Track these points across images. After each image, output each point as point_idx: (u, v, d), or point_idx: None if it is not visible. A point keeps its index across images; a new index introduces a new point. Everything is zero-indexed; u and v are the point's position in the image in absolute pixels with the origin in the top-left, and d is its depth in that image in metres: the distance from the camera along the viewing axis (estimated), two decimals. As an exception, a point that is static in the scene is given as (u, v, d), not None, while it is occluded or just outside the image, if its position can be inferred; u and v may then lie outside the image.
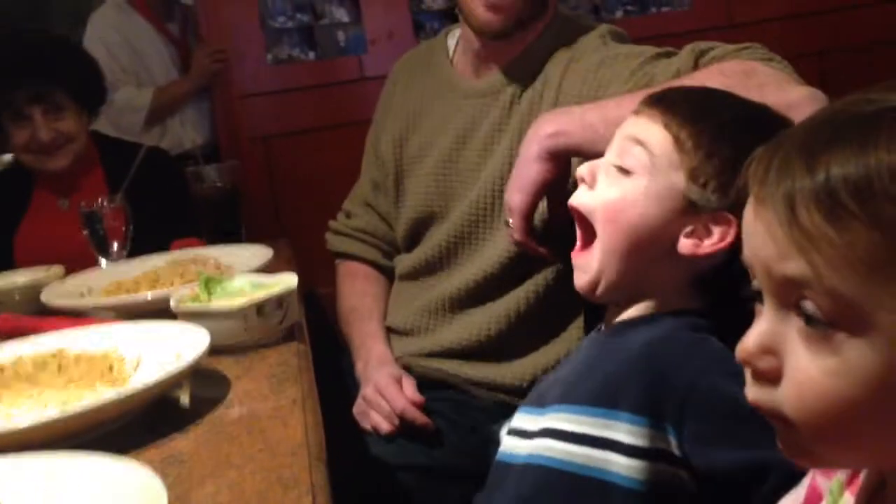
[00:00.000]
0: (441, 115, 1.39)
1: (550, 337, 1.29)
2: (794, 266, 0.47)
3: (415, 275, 1.41)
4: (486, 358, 1.32)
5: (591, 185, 0.93)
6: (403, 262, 1.45)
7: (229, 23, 2.79)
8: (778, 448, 0.58)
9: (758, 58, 1.09)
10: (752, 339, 0.50)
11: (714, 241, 0.88)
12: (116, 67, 2.68)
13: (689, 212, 0.88)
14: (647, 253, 0.90)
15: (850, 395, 0.46)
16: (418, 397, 1.25)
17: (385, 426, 1.24)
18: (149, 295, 1.20)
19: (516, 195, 1.12)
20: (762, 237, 0.49)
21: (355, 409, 1.30)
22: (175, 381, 0.87)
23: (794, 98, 0.99)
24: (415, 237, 1.42)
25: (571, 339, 1.28)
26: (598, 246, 0.92)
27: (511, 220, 1.15)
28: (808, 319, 0.47)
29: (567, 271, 1.04)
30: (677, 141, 0.89)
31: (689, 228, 0.88)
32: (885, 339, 0.45)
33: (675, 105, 0.92)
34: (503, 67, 1.32)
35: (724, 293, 0.88)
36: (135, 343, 0.99)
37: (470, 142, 1.34)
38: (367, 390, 1.28)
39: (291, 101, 2.84)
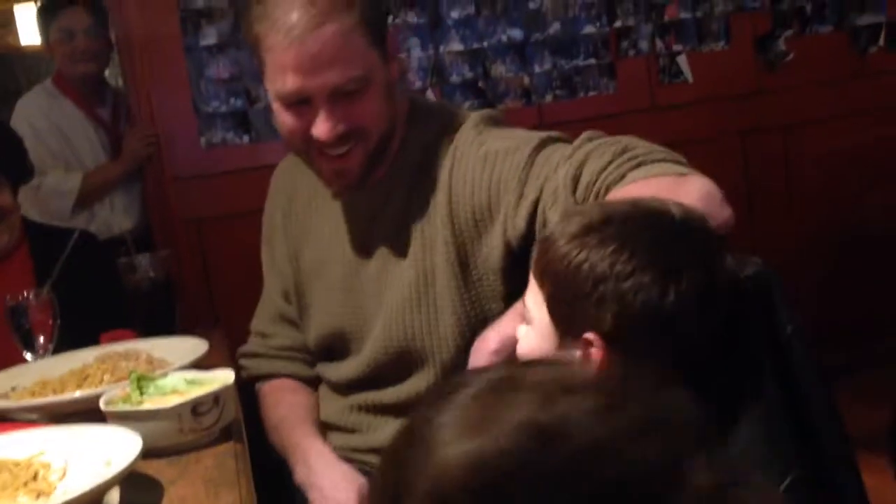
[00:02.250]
0: (332, 224, 1.34)
1: None
2: None
3: (345, 387, 1.36)
4: None
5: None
6: (327, 371, 1.39)
7: (161, 107, 2.78)
8: None
9: (629, 168, 1.07)
10: None
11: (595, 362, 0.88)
12: (44, 152, 2.64)
13: (564, 340, 0.90)
14: None
15: None
16: None
17: None
18: (77, 394, 1.15)
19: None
20: None
21: None
22: (104, 491, 0.83)
23: (690, 203, 0.96)
24: (330, 351, 1.38)
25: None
26: None
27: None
28: None
29: None
30: (539, 280, 0.93)
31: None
32: None
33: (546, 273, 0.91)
34: (381, 178, 1.27)
35: None
36: (62, 448, 0.95)
37: (369, 255, 1.30)
38: (340, 495, 1.22)
39: (225, 185, 2.83)
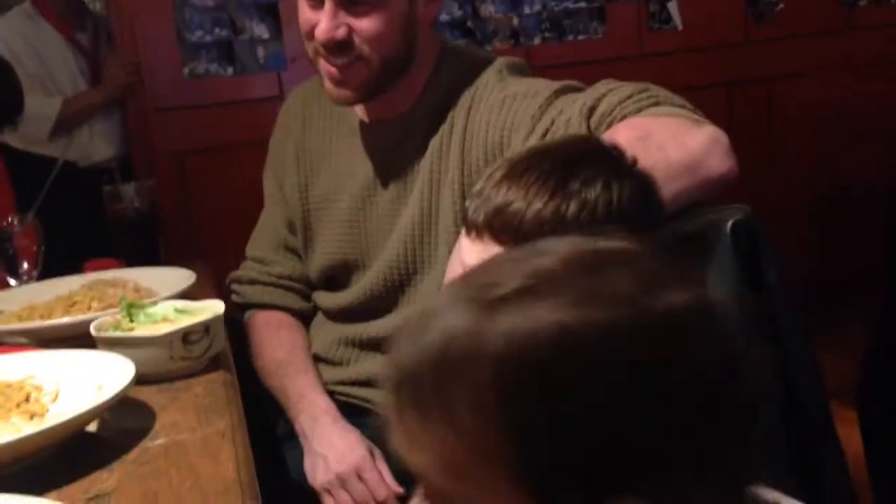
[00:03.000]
0: (345, 157, 1.35)
1: None
2: (411, 461, 0.49)
3: (338, 315, 1.38)
4: None
5: None
6: (324, 300, 1.41)
7: (144, 35, 2.73)
8: None
9: (647, 104, 1.07)
10: None
11: None
12: (22, 74, 2.57)
13: None
14: None
15: None
16: (398, 487, 1.21)
17: None
18: (66, 319, 1.16)
19: None
20: (405, 442, 0.49)
21: (318, 482, 1.24)
22: (98, 414, 0.84)
23: (696, 150, 0.99)
24: (331, 281, 1.39)
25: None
26: None
27: None
28: None
29: None
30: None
31: None
32: None
33: (497, 217, 0.83)
34: (401, 114, 1.28)
35: None
36: (53, 372, 0.96)
37: (380, 189, 1.31)
38: (343, 470, 1.22)
39: (208, 117, 2.79)
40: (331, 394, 1.33)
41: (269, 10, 2.81)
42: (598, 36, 3.12)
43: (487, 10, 3.02)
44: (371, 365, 1.33)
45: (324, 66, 1.22)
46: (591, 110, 1.10)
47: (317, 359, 1.38)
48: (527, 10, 3.05)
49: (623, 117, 1.06)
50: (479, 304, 0.47)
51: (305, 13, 1.21)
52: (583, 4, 3.09)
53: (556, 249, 0.50)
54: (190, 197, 2.76)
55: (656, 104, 1.07)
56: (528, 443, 0.44)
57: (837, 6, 3.28)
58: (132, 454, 0.83)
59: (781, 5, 3.24)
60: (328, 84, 1.24)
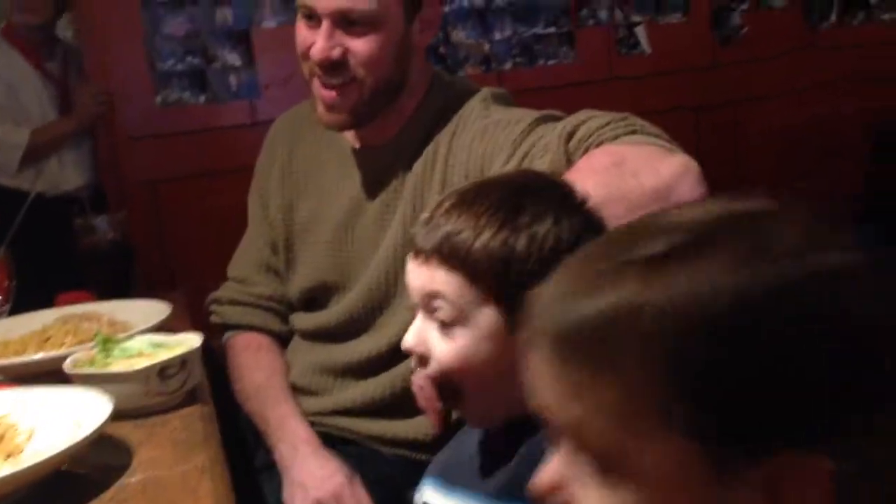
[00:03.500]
0: (331, 181, 1.37)
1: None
2: (565, 414, 0.49)
3: (316, 337, 1.39)
4: (391, 415, 1.31)
5: (426, 360, 0.89)
6: (302, 321, 1.41)
7: (116, 64, 2.73)
8: None
9: (623, 132, 1.08)
10: (544, 478, 0.52)
11: None
12: (-10, 105, 2.57)
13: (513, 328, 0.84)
14: (508, 376, 0.83)
15: None
16: None
17: None
18: (40, 356, 1.15)
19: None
20: (537, 383, 0.50)
21: None
22: (76, 452, 0.84)
23: (669, 177, 1.00)
24: (310, 302, 1.39)
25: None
26: (469, 398, 0.89)
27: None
28: (590, 461, 0.49)
29: None
30: (467, 274, 0.84)
31: None
32: (647, 484, 0.47)
33: (447, 233, 0.85)
34: (390, 138, 1.31)
35: None
36: (28, 410, 0.95)
37: (364, 211, 1.33)
38: (319, 494, 1.21)
39: (180, 145, 2.79)
40: (310, 424, 1.32)
41: (242, 39, 2.82)
42: (568, 60, 3.17)
43: (458, 35, 3.05)
44: (347, 393, 1.34)
45: (318, 89, 1.24)
46: (570, 136, 1.12)
47: (294, 388, 1.38)
48: (497, 36, 3.09)
49: (600, 143, 1.08)
50: (641, 265, 0.47)
51: (302, 32, 1.23)
52: (552, 30, 3.14)
53: (706, 209, 0.51)
54: (163, 225, 2.75)
55: (633, 132, 1.10)
56: (697, 399, 0.45)
57: (802, 27, 3.35)
58: (109, 492, 0.82)
59: (746, 28, 3.30)
60: (321, 109, 1.26)
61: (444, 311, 0.85)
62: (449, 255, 0.83)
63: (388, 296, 1.30)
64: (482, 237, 0.82)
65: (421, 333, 0.89)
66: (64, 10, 2.79)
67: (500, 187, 0.89)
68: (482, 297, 0.84)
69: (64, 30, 3.02)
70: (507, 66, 3.11)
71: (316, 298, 1.39)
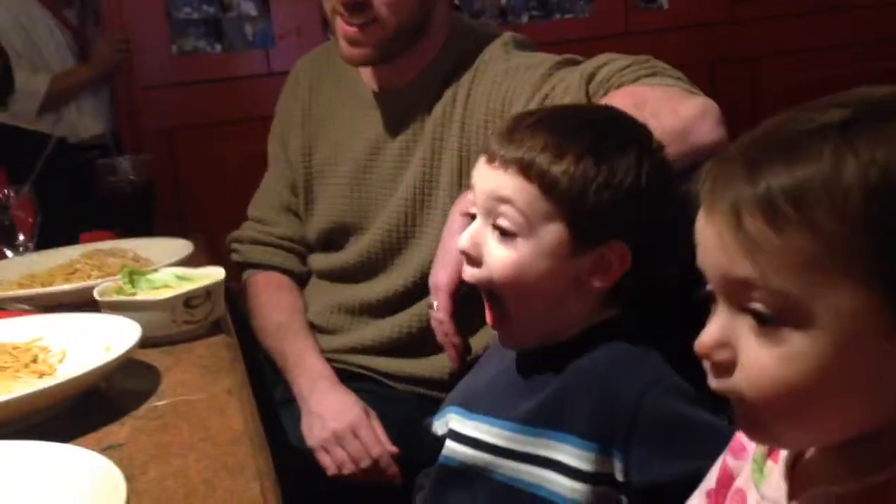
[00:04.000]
0: (349, 123, 1.38)
1: (469, 332, 1.32)
2: (742, 269, 0.52)
3: (333, 277, 1.42)
4: (407, 353, 1.34)
5: (479, 262, 0.90)
6: (319, 261, 1.44)
7: (132, 12, 2.73)
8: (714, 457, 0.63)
9: (644, 74, 1.11)
10: (709, 335, 0.55)
11: (615, 269, 0.89)
12: (9, 50, 2.57)
13: (582, 250, 0.88)
14: (558, 299, 0.90)
15: (796, 380, 0.51)
16: (392, 447, 1.24)
17: (350, 467, 1.22)
18: (68, 286, 1.18)
19: (441, 272, 1.08)
20: (713, 244, 0.54)
21: (314, 440, 1.26)
22: (107, 372, 0.87)
23: (688, 118, 1.03)
24: (328, 243, 1.42)
25: (490, 334, 1.31)
26: (510, 311, 0.90)
27: (435, 300, 1.09)
28: (758, 316, 0.53)
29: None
30: (544, 188, 0.85)
31: (589, 266, 0.88)
32: (823, 331, 0.51)
33: (530, 145, 0.86)
34: (410, 80, 1.32)
35: (636, 302, 0.92)
36: (60, 334, 0.98)
37: (382, 153, 1.34)
38: (339, 426, 1.24)
39: (196, 94, 2.80)
40: (327, 361, 1.35)
41: (257, -14, 2.82)
42: (585, 15, 3.15)
43: (474, -12, 3.03)
44: (365, 332, 1.37)
45: (340, 25, 1.25)
46: (591, 77, 1.14)
47: (312, 326, 1.41)
48: (514, -11, 3.07)
49: (620, 85, 1.10)
50: (836, 129, 0.51)
51: None
52: (570, -18, 3.11)
53: (860, 91, 0.55)
54: (179, 172, 2.77)
55: (653, 74, 1.12)
56: (886, 254, 0.49)
57: (823, -13, 3.30)
58: (141, 410, 0.85)
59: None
60: (343, 44, 1.27)
61: (510, 219, 0.87)
62: (529, 167, 0.86)
63: (405, 236, 1.32)
64: (566, 158, 0.85)
65: (477, 237, 0.90)
66: (81, -46, 2.79)
67: (585, 117, 0.93)
68: (553, 212, 0.86)
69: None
70: (524, 19, 3.09)
71: (334, 239, 1.41)
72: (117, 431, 0.80)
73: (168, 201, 2.69)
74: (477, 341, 1.27)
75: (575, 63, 1.22)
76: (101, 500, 0.58)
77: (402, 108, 1.33)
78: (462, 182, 1.26)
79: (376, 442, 1.24)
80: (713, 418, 0.83)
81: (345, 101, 1.40)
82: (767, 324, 0.52)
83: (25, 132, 2.01)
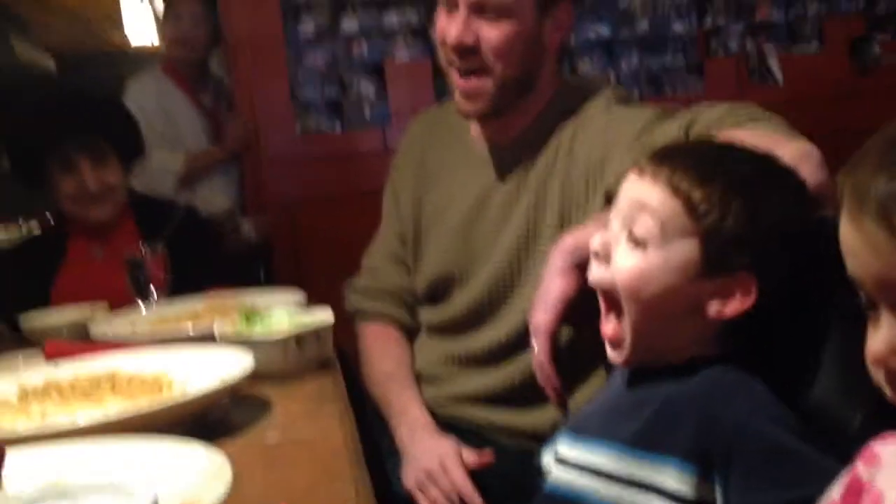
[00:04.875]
0: (459, 177, 1.44)
1: (574, 384, 1.32)
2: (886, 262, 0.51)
3: (440, 330, 1.46)
4: (511, 404, 1.35)
5: (607, 261, 0.93)
6: (428, 315, 1.49)
7: (261, 95, 2.93)
8: (819, 485, 0.63)
9: (744, 119, 1.11)
10: (880, 343, 0.55)
11: (738, 301, 0.89)
12: (151, 133, 2.79)
13: (709, 274, 0.89)
14: (674, 318, 0.91)
15: None
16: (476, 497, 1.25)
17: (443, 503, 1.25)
18: (191, 327, 1.26)
19: (540, 314, 1.08)
20: (864, 251, 0.53)
21: (411, 481, 1.29)
22: (223, 394, 0.93)
23: (788, 161, 1.00)
24: (435, 294, 1.46)
25: (594, 386, 1.30)
26: (625, 321, 0.91)
27: (535, 341, 1.09)
28: None
29: (579, 339, 1.10)
30: (688, 205, 0.88)
31: (712, 292, 0.89)
32: None
33: (681, 165, 0.90)
34: (516, 136, 1.37)
35: (747, 339, 0.91)
36: (182, 367, 1.05)
37: (488, 206, 1.39)
38: (431, 465, 1.27)
39: (317, 170, 2.95)
40: (430, 411, 1.38)
41: (375, 70, 2.98)
42: (697, 91, 3.14)
43: (585, 66, 3.10)
44: (470, 382, 1.39)
45: (455, 79, 1.33)
46: (690, 125, 1.16)
47: (418, 377, 1.45)
48: (624, 67, 3.11)
49: (719, 131, 1.11)
50: None
51: (441, 21, 1.33)
52: (681, 60, 3.14)
53: None
54: (299, 244, 2.90)
55: (753, 119, 1.13)
56: None
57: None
58: (251, 430, 0.90)
59: (885, 57, 3.20)
60: (459, 98, 1.35)
61: (646, 227, 0.89)
62: (677, 182, 0.88)
63: (510, 287, 1.35)
64: (714, 183, 0.88)
65: (609, 239, 0.93)
66: (216, 45, 3.03)
67: (738, 150, 0.95)
68: (690, 230, 0.88)
69: (216, 65, 3.28)
70: (634, 95, 3.13)
71: (441, 290, 1.45)
72: (227, 444, 0.85)
73: (289, 271, 2.82)
74: (584, 392, 1.28)
75: (674, 114, 1.24)
76: (207, 482, 0.62)
77: (507, 163, 1.38)
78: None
79: (464, 479, 1.24)
80: (815, 451, 0.81)
81: (455, 156, 1.46)
82: None
83: (160, 199, 2.18)
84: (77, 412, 0.93)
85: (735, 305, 0.89)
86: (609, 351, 0.95)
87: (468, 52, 1.29)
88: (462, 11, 1.28)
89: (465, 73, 1.31)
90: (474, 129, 1.44)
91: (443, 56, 1.35)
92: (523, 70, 1.32)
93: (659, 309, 0.89)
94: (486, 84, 1.31)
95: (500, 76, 1.30)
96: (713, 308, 0.89)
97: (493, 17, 1.28)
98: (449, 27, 1.30)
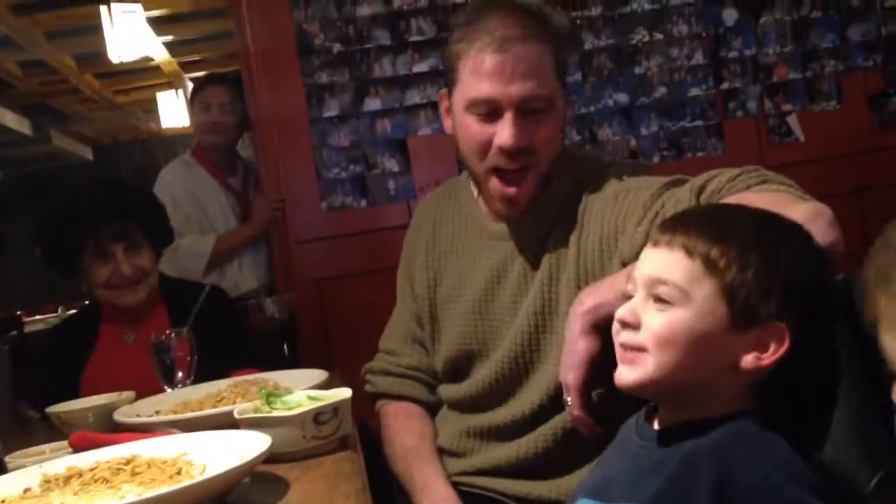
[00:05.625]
0: (471, 255, 1.45)
1: (595, 453, 1.31)
2: None
3: (461, 406, 1.46)
4: (533, 475, 1.35)
5: (636, 328, 0.94)
6: (448, 392, 1.49)
7: (287, 174, 2.99)
8: None
9: (754, 182, 1.13)
10: None
11: (772, 352, 0.91)
12: (181, 217, 2.87)
13: (740, 329, 0.91)
14: (710, 374, 0.92)
15: None
16: None
17: None
18: (212, 410, 1.28)
19: (570, 373, 1.13)
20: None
21: None
22: (238, 477, 0.93)
23: (798, 219, 1.02)
24: (455, 372, 1.47)
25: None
26: (651, 360, 0.93)
27: (569, 398, 1.15)
28: None
29: (609, 394, 1.10)
30: (707, 263, 0.90)
31: (746, 345, 0.90)
32: None
33: (695, 228, 0.93)
34: (527, 210, 1.38)
35: (777, 394, 0.93)
36: (202, 450, 1.06)
37: (502, 283, 1.40)
38: None
39: (344, 246, 3.00)
40: (454, 484, 1.38)
41: (399, 146, 3.04)
42: (718, 152, 3.16)
43: (605, 133, 3.14)
44: (492, 454, 1.38)
45: (495, 186, 1.34)
46: (700, 190, 1.17)
47: (441, 451, 1.45)
48: (644, 131, 3.14)
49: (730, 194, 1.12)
50: None
51: (474, 129, 1.31)
52: (699, 122, 3.16)
53: None
54: (326, 319, 2.92)
55: (763, 182, 1.14)
56: None
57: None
58: (268, 514, 0.91)
59: (907, 111, 3.20)
60: (499, 206, 1.36)
61: (670, 292, 0.92)
62: (692, 245, 0.92)
63: (528, 362, 1.35)
64: (729, 240, 0.92)
65: (635, 307, 0.95)
66: (245, 130, 3.12)
67: (746, 210, 0.99)
68: (712, 288, 0.91)
69: (244, 148, 3.37)
70: (655, 159, 3.15)
71: (459, 368, 1.45)
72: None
73: (317, 345, 2.84)
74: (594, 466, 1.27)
75: (683, 181, 1.25)
76: None
77: (520, 237, 1.39)
78: None
79: None
80: None
81: (467, 234, 1.48)
82: None
83: (191, 283, 2.23)
84: (97, 500, 0.94)
85: (771, 355, 0.90)
86: (622, 371, 0.96)
87: (522, 154, 1.30)
88: (510, 115, 1.28)
89: (511, 175, 1.31)
90: (484, 205, 1.45)
91: (478, 162, 1.34)
92: (559, 152, 1.35)
93: (694, 362, 0.91)
94: (528, 185, 1.32)
95: (544, 168, 1.33)
96: (749, 361, 0.91)
97: (539, 116, 1.30)
98: (501, 132, 1.28)
